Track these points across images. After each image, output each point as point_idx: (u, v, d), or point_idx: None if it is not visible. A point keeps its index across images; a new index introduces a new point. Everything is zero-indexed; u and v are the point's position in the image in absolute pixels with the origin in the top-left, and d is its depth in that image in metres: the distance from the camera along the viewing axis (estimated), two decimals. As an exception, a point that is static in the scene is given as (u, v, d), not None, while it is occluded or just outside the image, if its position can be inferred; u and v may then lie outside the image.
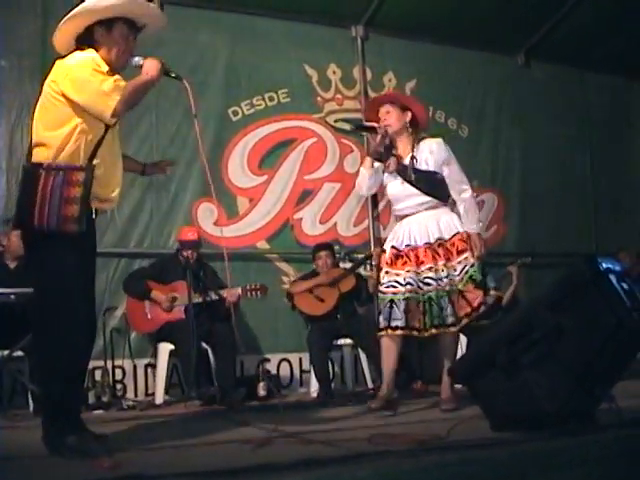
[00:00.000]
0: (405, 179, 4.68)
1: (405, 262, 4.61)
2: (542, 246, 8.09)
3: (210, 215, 6.79)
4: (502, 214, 8.14)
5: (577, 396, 3.14)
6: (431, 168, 4.65)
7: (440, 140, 4.83)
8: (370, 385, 6.34)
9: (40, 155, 3.41)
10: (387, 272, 4.66)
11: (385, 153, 4.76)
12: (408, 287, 4.56)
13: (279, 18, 7.24)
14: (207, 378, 5.69)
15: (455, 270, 4.55)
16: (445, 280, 4.54)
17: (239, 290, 5.85)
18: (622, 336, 3.12)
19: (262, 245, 7.07)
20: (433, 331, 4.57)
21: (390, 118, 4.74)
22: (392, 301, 4.57)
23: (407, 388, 6.29)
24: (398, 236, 4.70)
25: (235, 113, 7.03)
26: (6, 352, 5.15)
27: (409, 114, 4.78)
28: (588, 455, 2.80)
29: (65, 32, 3.55)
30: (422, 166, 4.66)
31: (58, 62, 3.49)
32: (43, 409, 3.57)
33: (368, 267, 6.98)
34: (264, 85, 7.17)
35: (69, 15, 3.49)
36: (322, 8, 7.25)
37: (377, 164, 4.79)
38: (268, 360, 6.81)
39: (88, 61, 3.43)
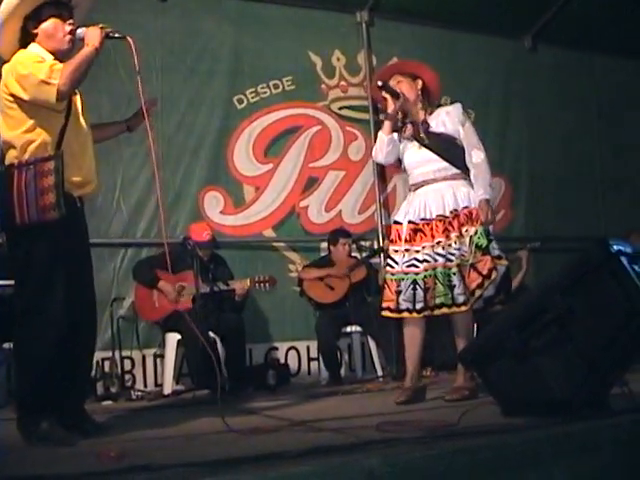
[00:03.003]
0: (421, 143, 4.50)
1: (422, 237, 4.39)
2: (551, 230, 8.04)
3: (217, 204, 6.78)
4: (510, 199, 8.08)
5: (590, 381, 3.10)
6: (449, 131, 4.47)
7: (458, 104, 4.64)
8: (379, 372, 6.31)
9: (11, 156, 3.48)
10: (407, 250, 4.41)
11: (402, 120, 4.60)
12: (425, 265, 4.34)
13: (283, 4, 7.19)
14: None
15: (464, 244, 4.33)
16: (454, 258, 4.31)
17: (247, 282, 5.83)
18: (636, 319, 3.08)
19: (269, 233, 7.03)
20: (444, 310, 4.34)
21: (402, 87, 4.55)
22: (415, 282, 4.36)
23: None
24: (415, 208, 4.45)
25: (240, 101, 6.98)
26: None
27: (420, 82, 4.60)
28: (601, 440, 2.77)
29: (4, 38, 3.56)
30: (439, 128, 4.49)
31: (4, 66, 3.52)
32: (16, 397, 3.62)
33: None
34: (269, 73, 7.13)
35: None
36: (326, -7, 7.20)
37: (394, 133, 4.60)
38: (276, 349, 6.81)
39: (28, 56, 3.47)
